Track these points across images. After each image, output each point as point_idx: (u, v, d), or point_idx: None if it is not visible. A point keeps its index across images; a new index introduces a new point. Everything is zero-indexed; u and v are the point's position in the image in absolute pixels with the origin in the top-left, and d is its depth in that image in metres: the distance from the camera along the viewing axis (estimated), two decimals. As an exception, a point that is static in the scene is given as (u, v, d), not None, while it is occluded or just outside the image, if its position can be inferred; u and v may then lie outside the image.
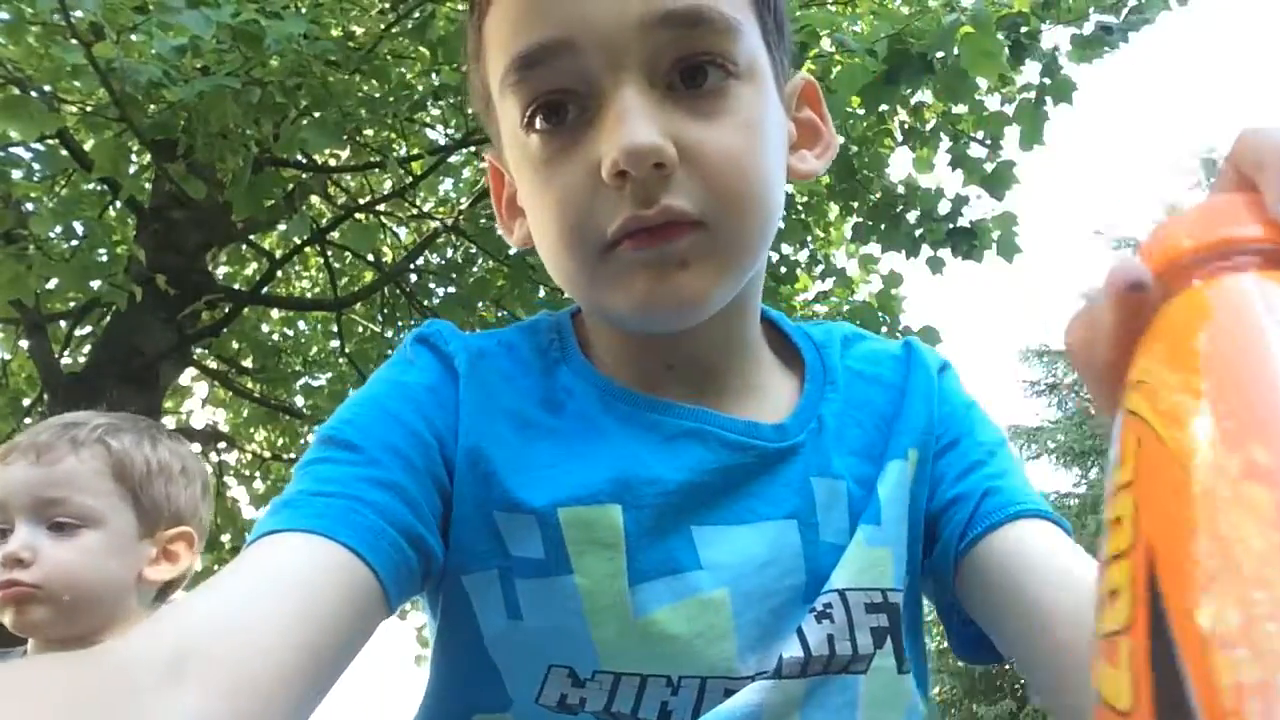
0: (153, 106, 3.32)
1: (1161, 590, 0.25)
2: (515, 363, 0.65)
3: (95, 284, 3.81)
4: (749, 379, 0.67)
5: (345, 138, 3.90)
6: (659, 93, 0.56)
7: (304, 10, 3.59)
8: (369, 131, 4.65)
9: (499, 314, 5.01)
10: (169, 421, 5.77)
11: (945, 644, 0.72)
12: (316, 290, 6.49)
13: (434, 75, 4.54)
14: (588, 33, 0.55)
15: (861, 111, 4.17)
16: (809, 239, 5.50)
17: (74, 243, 3.86)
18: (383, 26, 4.08)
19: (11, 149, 3.61)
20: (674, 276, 0.56)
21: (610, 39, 0.54)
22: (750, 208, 0.58)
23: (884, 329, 4.95)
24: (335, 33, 3.52)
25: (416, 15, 4.01)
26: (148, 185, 4.44)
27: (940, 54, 3.58)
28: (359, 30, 3.98)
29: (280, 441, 6.33)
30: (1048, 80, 4.14)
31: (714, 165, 0.56)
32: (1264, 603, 0.22)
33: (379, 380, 0.63)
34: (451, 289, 5.24)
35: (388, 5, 4.66)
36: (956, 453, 0.68)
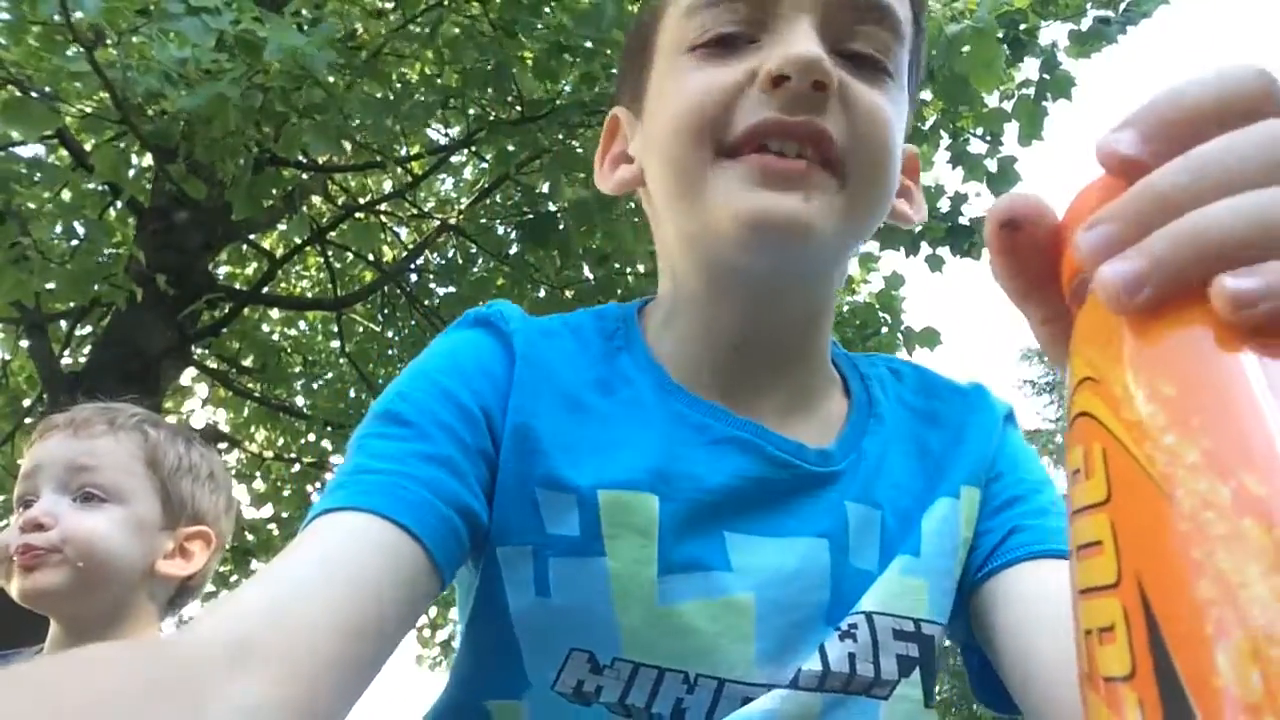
0: (154, 109, 3.32)
1: (1165, 639, 0.23)
2: (579, 343, 0.66)
3: (96, 285, 3.82)
4: (806, 393, 0.67)
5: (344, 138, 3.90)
6: (827, 45, 0.57)
7: (306, 12, 3.58)
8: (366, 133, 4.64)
9: (499, 313, 5.00)
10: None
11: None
12: (316, 290, 6.49)
13: (437, 79, 4.53)
14: None
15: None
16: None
17: (74, 243, 3.87)
18: (384, 30, 4.08)
19: (13, 149, 3.61)
20: (793, 196, 0.55)
21: None
22: (883, 172, 0.59)
23: (885, 329, 4.96)
24: (337, 34, 3.52)
25: (420, 20, 4.01)
26: (148, 186, 4.45)
27: (941, 62, 3.59)
28: (360, 28, 3.97)
29: (280, 441, 6.33)
30: (1046, 76, 4.15)
31: (866, 114, 0.57)
32: None
33: (434, 354, 0.64)
34: (451, 289, 5.25)
35: (390, 4, 4.66)
36: (998, 486, 0.67)
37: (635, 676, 0.58)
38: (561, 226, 4.26)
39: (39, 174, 3.67)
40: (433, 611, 7.05)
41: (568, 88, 4.23)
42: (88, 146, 4.14)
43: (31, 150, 3.93)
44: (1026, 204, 0.33)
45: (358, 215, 5.34)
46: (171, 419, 5.90)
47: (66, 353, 4.95)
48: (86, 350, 4.96)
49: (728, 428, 0.62)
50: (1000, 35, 3.67)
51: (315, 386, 6.07)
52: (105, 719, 0.37)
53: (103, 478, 1.10)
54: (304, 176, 4.82)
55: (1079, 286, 0.32)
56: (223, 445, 6.00)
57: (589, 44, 3.72)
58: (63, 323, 4.90)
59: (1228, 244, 0.26)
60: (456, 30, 4.00)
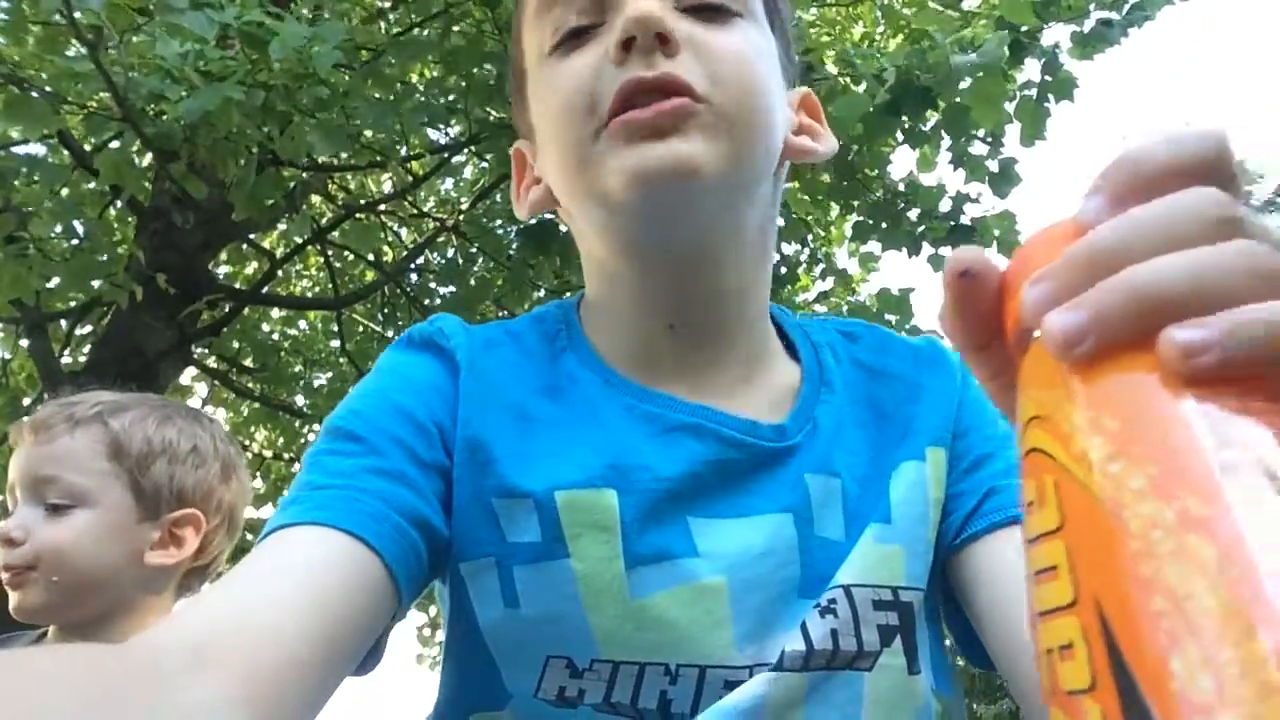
0: (155, 109, 3.31)
1: (1122, 651, 0.25)
2: (521, 352, 0.67)
3: (95, 283, 3.81)
4: (752, 366, 0.67)
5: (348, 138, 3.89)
6: (671, 3, 0.60)
7: (307, 12, 3.58)
8: (369, 133, 4.64)
9: (499, 314, 5.02)
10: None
11: (949, 640, 0.71)
12: (316, 290, 6.49)
13: (441, 81, 4.52)
14: None
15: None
16: (809, 238, 5.50)
17: (74, 242, 3.86)
18: (384, 32, 4.07)
19: (13, 149, 3.61)
20: (667, 141, 0.56)
21: None
22: (754, 103, 0.59)
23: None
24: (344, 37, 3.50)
25: (425, 26, 4.00)
26: (148, 185, 4.44)
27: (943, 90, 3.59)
28: (362, 24, 3.97)
29: (280, 441, 6.33)
30: (1049, 78, 4.13)
31: (719, 55, 0.58)
32: (1232, 663, 0.23)
33: (383, 370, 0.65)
34: (452, 289, 5.25)
35: (388, 4, 4.65)
36: (965, 443, 0.67)
37: (616, 675, 0.58)
38: (563, 229, 4.26)
39: (38, 172, 3.66)
40: (432, 611, 7.05)
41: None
42: (88, 146, 4.13)
43: (31, 149, 3.92)
44: (978, 256, 0.35)
45: (358, 215, 5.34)
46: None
47: (66, 352, 4.94)
48: (86, 349, 4.95)
49: (678, 414, 0.63)
50: (1003, 33, 3.65)
51: (315, 386, 6.07)
52: None
53: (64, 484, 1.07)
54: (305, 176, 4.82)
55: (1023, 334, 0.34)
56: (222, 445, 5.98)
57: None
58: (63, 322, 4.90)
59: (1165, 298, 0.28)
60: (459, 29, 4.00)
